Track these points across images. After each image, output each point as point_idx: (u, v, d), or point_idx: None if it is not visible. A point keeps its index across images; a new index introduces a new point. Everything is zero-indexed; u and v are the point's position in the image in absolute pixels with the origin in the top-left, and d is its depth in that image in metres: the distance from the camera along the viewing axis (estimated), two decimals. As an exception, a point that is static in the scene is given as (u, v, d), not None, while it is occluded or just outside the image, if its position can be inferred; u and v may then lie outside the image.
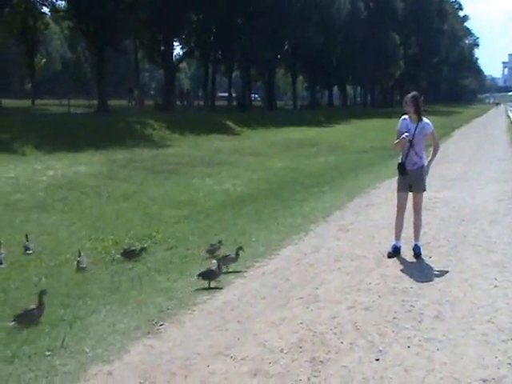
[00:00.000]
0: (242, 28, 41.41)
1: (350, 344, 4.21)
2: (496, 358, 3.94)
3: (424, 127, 6.38)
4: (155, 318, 4.83)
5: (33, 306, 4.77)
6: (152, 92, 69.11)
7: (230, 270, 6.19)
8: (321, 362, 3.95)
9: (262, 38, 40.03)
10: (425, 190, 6.58)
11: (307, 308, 4.99)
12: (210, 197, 11.36)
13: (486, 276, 5.72)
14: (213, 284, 5.67)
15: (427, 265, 6.21)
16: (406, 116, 6.44)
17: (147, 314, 4.96)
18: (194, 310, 5.04)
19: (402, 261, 6.39)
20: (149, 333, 4.55)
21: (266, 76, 49.06)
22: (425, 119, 6.41)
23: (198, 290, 5.56)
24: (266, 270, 6.19)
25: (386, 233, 7.54)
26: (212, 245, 6.81)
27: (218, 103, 44.98)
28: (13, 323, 4.70)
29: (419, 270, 6.01)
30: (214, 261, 6.01)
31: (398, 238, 6.64)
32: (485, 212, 8.98)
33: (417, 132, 6.33)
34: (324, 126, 33.75)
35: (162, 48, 36.82)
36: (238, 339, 4.36)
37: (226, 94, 52.14)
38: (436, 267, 6.09)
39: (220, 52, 43.79)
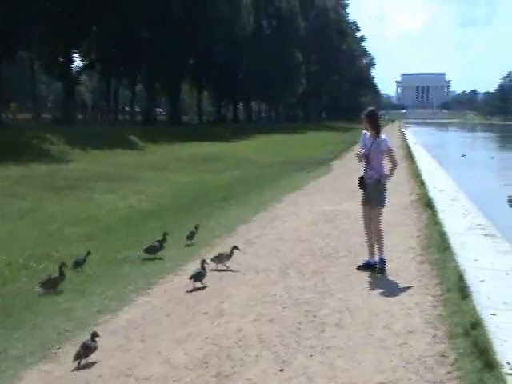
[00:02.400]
0: (146, 41, 40.92)
1: (255, 356, 4.24)
2: (391, 361, 4.12)
3: (379, 144, 6.34)
4: (52, 342, 4.59)
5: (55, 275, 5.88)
6: (49, 105, 66.24)
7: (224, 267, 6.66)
8: (226, 376, 3.94)
9: (167, 51, 39.80)
10: (382, 205, 6.47)
11: (213, 323, 4.96)
12: (113, 213, 11.05)
13: (383, 284, 6.00)
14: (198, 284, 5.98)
15: (330, 275, 6.40)
16: (365, 131, 6.48)
17: (43, 337, 4.70)
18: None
19: (306, 272, 6.54)
20: (45, 357, 4.32)
21: (170, 90, 48.74)
22: (382, 136, 6.41)
23: (99, 309, 5.36)
24: (171, 286, 6.10)
25: (290, 245, 7.71)
26: (191, 232, 7.96)
27: (121, 117, 44.02)
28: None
29: (322, 280, 6.18)
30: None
31: (370, 252, 6.59)
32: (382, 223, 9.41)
33: (372, 148, 6.34)
34: (230, 141, 34.03)
35: (61, 59, 35.46)
36: (142, 358, 4.25)
37: (130, 108, 51.18)
38: (337, 277, 6.30)
39: (123, 65, 42.94)
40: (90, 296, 5.76)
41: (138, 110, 57.46)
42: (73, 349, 4.45)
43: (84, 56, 41.75)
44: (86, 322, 5.04)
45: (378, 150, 6.34)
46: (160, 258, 7.16)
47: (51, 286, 5.88)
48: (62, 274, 5.96)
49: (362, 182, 6.44)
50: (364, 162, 6.42)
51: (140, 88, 56.31)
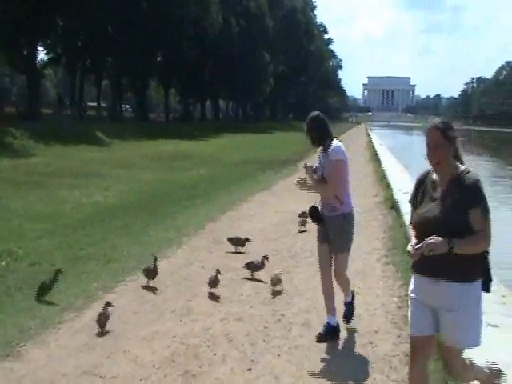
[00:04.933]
0: (113, 36, 40.40)
1: (223, 355, 4.24)
2: (357, 361, 4.19)
3: (329, 157, 4.53)
4: (15, 340, 4.49)
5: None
6: (13, 98, 64.70)
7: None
8: (193, 375, 3.93)
9: (134, 47, 39.36)
10: (347, 250, 4.65)
11: (180, 321, 4.94)
12: (77, 210, 10.85)
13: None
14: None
15: (296, 275, 6.45)
16: (318, 149, 4.75)
17: (6, 335, 4.59)
18: (59, 329, 4.76)
19: (270, 271, 6.56)
20: (8, 355, 4.22)
21: (137, 87, 48.22)
22: (334, 144, 4.56)
23: (63, 307, 5.27)
24: (138, 285, 6.04)
25: (257, 245, 7.73)
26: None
27: (87, 113, 43.34)
28: None
29: (289, 280, 6.22)
30: None
31: (329, 310, 4.72)
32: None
33: (326, 166, 4.55)
34: (197, 139, 33.89)
35: (25, 52, 34.66)
36: (108, 357, 4.20)
37: (96, 104, 50.45)
38: (305, 277, 6.35)
39: (89, 60, 42.27)
40: (53, 294, 5.65)
41: (104, 105, 56.58)
42: (37, 347, 4.37)
43: (49, 49, 40.96)
44: (50, 320, 4.94)
45: (331, 167, 4.53)
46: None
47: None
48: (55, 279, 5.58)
49: (315, 214, 4.64)
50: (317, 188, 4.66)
51: (106, 84, 55.59)
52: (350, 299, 4.92)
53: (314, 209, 4.66)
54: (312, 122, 4.63)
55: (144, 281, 5.97)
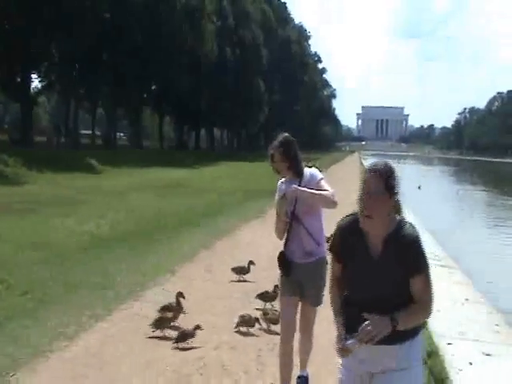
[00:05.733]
0: (108, 65, 40.81)
1: (216, 384, 4.20)
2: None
3: (310, 182, 3.82)
4: (6, 368, 4.43)
5: None
6: (6, 126, 64.88)
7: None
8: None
9: (129, 76, 39.75)
10: (320, 303, 3.91)
11: (174, 350, 4.90)
12: (70, 238, 10.79)
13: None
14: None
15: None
16: (282, 179, 3.98)
17: (-3, 364, 4.53)
18: (50, 358, 4.71)
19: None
20: (-2, 385, 4.16)
21: (132, 115, 48.54)
22: (308, 170, 3.93)
23: (54, 336, 5.22)
24: (131, 313, 6.00)
25: (252, 273, 7.72)
26: None
27: (81, 141, 43.50)
28: None
29: (282, 308, 6.19)
30: None
31: (283, 380, 3.97)
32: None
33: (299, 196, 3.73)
34: (191, 168, 34.00)
35: (18, 79, 34.91)
36: (99, 387, 4.15)
37: (90, 132, 50.66)
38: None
39: (83, 87, 42.55)
40: (44, 322, 5.60)
41: (98, 133, 56.83)
42: (27, 376, 4.31)
43: (43, 77, 41.25)
44: (41, 349, 4.89)
45: (319, 186, 3.79)
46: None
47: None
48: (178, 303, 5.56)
49: (284, 262, 3.85)
50: (286, 225, 3.87)
51: (101, 111, 55.94)
52: (306, 373, 4.14)
53: (282, 255, 3.87)
54: (285, 143, 3.88)
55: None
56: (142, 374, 4.37)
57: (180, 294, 5.61)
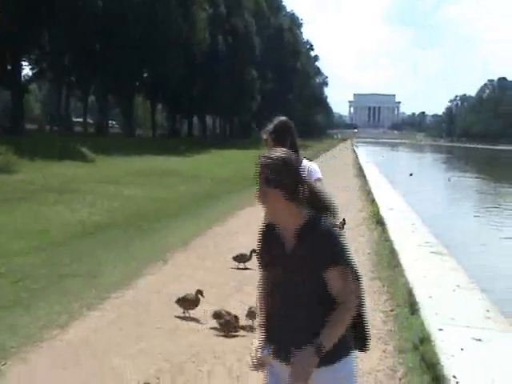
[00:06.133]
0: (100, 53, 40.45)
1: (209, 372, 4.21)
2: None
3: (308, 173, 3.59)
4: (-3, 358, 4.42)
5: None
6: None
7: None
8: (178, 391, 3.89)
9: (121, 64, 39.43)
10: None
11: (166, 338, 4.90)
12: (63, 226, 10.76)
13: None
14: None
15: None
16: None
17: (-12, 353, 4.52)
18: (41, 347, 4.69)
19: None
20: (-10, 374, 4.16)
21: (124, 103, 48.24)
22: (308, 164, 3.68)
23: (46, 325, 5.21)
24: (123, 301, 5.99)
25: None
26: None
27: (73, 129, 43.18)
28: None
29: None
30: None
31: None
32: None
33: None
34: (184, 156, 33.89)
35: (9, 67, 34.55)
36: (92, 375, 4.15)
37: (82, 120, 50.33)
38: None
39: (75, 75, 42.20)
40: (36, 311, 5.58)
41: (90, 121, 56.45)
42: (19, 365, 4.31)
43: (34, 64, 40.87)
44: (33, 338, 4.88)
45: None
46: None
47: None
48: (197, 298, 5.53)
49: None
50: None
51: (93, 99, 55.55)
52: None
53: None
54: (284, 126, 3.49)
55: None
56: (134, 362, 4.37)
57: (199, 292, 5.54)
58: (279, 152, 2.24)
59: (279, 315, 2.23)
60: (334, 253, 2.16)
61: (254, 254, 7.37)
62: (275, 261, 2.27)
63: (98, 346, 4.71)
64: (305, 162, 3.56)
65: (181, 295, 5.56)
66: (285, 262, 2.21)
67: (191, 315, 5.48)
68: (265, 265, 2.36)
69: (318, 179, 3.55)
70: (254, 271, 6.70)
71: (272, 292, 2.29)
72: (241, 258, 7.58)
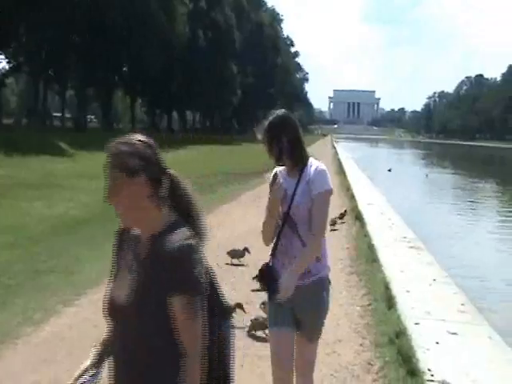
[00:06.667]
0: (77, 46, 39.98)
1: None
2: (321, 371, 4.20)
3: (313, 181, 2.80)
4: (-29, 355, 4.36)
5: None
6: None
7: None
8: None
9: (99, 57, 39.02)
10: (319, 336, 3.01)
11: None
12: (40, 221, 10.63)
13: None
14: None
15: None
16: (280, 168, 2.92)
17: (-38, 350, 4.46)
18: (16, 344, 4.64)
19: (238, 282, 6.55)
20: (-36, 372, 4.09)
21: (102, 97, 47.78)
22: (315, 165, 2.86)
23: (21, 321, 5.14)
24: (100, 297, 5.92)
25: (223, 257, 7.71)
26: None
27: (51, 123, 42.66)
28: None
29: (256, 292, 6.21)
30: None
31: None
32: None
33: (298, 195, 2.80)
34: (164, 151, 33.33)
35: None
36: (68, 371, 4.10)
37: (60, 114, 49.75)
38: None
39: (52, 69, 41.65)
40: (11, 307, 5.51)
41: (68, 116, 55.82)
42: (-7, 363, 4.25)
43: (11, 57, 40.25)
44: (8, 335, 4.81)
45: (307, 196, 2.79)
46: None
47: None
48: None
49: (269, 278, 2.87)
50: (275, 228, 2.90)
51: (71, 93, 54.90)
52: None
53: (269, 271, 2.87)
54: (277, 124, 2.84)
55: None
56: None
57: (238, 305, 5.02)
58: (138, 135, 1.86)
59: (116, 355, 1.81)
60: (183, 278, 1.65)
61: (246, 252, 7.46)
62: (122, 272, 1.83)
63: (74, 342, 4.66)
64: (312, 162, 2.88)
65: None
66: (130, 278, 1.75)
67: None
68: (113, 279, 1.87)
69: (327, 193, 2.81)
70: (247, 267, 6.69)
71: (108, 318, 1.86)
72: (234, 254, 7.57)
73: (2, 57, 39.59)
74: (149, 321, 1.67)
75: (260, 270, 2.93)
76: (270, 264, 2.91)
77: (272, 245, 2.93)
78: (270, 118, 2.88)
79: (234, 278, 6.77)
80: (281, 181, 2.76)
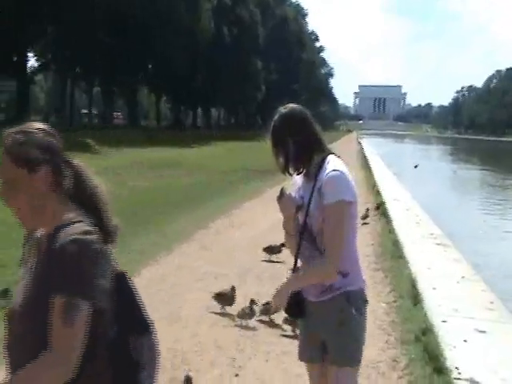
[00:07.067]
0: (104, 44, 40.40)
1: (211, 361, 4.23)
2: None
3: (324, 190, 2.30)
4: None
5: None
6: (2, 105, 64.42)
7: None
8: (181, 381, 3.90)
9: (126, 55, 39.39)
10: (357, 362, 2.44)
11: (168, 327, 4.92)
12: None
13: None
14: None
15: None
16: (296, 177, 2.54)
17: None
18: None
19: (263, 278, 6.56)
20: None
21: (128, 94, 48.24)
22: (330, 164, 2.34)
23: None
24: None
25: (247, 252, 7.73)
26: None
27: (78, 120, 43.28)
28: None
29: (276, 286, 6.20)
30: None
31: None
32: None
33: (312, 204, 2.37)
34: (188, 147, 33.87)
35: (15, 58, 34.61)
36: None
37: (87, 111, 50.43)
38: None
39: (80, 67, 42.22)
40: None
41: (95, 112, 56.53)
42: None
43: (40, 55, 40.91)
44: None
45: (330, 215, 2.31)
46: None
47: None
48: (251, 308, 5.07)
49: (297, 301, 2.47)
50: (295, 245, 2.50)
51: (98, 90, 55.57)
52: None
53: (292, 295, 2.47)
54: (283, 126, 2.38)
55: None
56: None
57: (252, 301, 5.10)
58: (36, 123, 1.64)
59: (8, 361, 1.58)
60: (65, 277, 1.45)
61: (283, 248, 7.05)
62: (24, 273, 1.63)
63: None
64: (333, 160, 2.36)
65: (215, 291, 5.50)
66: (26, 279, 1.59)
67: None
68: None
69: (340, 202, 2.27)
70: (252, 262, 6.69)
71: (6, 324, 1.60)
72: (271, 250, 7.45)
73: (31, 54, 40.29)
74: (36, 326, 1.47)
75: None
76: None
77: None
78: (275, 118, 2.41)
79: (272, 274, 6.78)
80: (293, 194, 2.43)
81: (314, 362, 2.53)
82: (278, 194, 2.42)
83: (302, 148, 2.35)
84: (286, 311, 2.56)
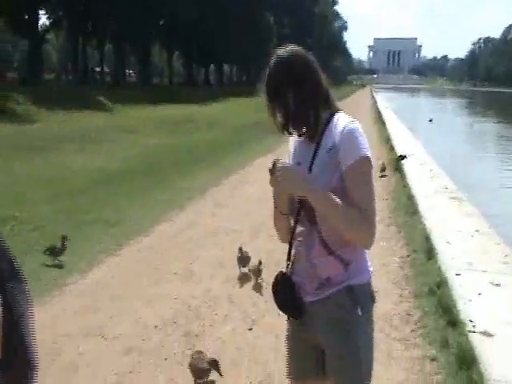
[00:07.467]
0: (114, 0, 39.69)
1: (224, 316, 4.28)
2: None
3: (341, 149, 1.80)
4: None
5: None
6: (16, 64, 64.16)
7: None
8: (196, 335, 3.96)
9: (136, 11, 38.71)
10: (367, 379, 1.88)
11: (182, 283, 4.97)
12: (81, 175, 10.84)
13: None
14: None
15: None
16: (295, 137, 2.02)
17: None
18: (63, 291, 4.80)
19: (275, 234, 6.56)
20: (12, 317, 4.26)
21: (140, 51, 47.65)
22: (341, 120, 1.85)
23: (67, 270, 5.31)
24: (141, 248, 6.06)
25: (260, 208, 7.72)
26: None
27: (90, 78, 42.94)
28: None
29: (291, 241, 6.22)
30: None
31: None
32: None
33: (318, 167, 1.85)
34: (201, 104, 33.60)
35: (26, 17, 34.19)
36: (111, 318, 4.24)
37: (99, 69, 50.00)
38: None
39: (90, 24, 41.65)
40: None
41: (107, 70, 56.06)
42: (41, 308, 4.40)
43: (51, 13, 40.36)
44: (54, 282, 4.98)
45: (328, 171, 1.82)
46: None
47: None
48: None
49: (290, 294, 1.97)
50: (287, 228, 2.04)
51: (109, 48, 54.96)
52: None
53: (286, 282, 2.00)
54: (284, 70, 1.89)
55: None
56: (151, 306, 4.45)
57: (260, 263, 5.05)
58: None
59: None
60: None
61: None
62: None
63: (116, 290, 4.79)
64: (343, 120, 1.86)
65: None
66: None
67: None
68: None
69: (363, 159, 1.81)
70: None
71: None
72: None
73: (43, 12, 39.72)
74: None
75: (274, 284, 2.04)
76: (287, 274, 2.00)
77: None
78: (270, 64, 1.92)
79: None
80: (287, 162, 1.90)
81: (306, 376, 2.04)
82: (270, 165, 1.85)
83: (305, 101, 1.84)
84: (281, 308, 2.04)
